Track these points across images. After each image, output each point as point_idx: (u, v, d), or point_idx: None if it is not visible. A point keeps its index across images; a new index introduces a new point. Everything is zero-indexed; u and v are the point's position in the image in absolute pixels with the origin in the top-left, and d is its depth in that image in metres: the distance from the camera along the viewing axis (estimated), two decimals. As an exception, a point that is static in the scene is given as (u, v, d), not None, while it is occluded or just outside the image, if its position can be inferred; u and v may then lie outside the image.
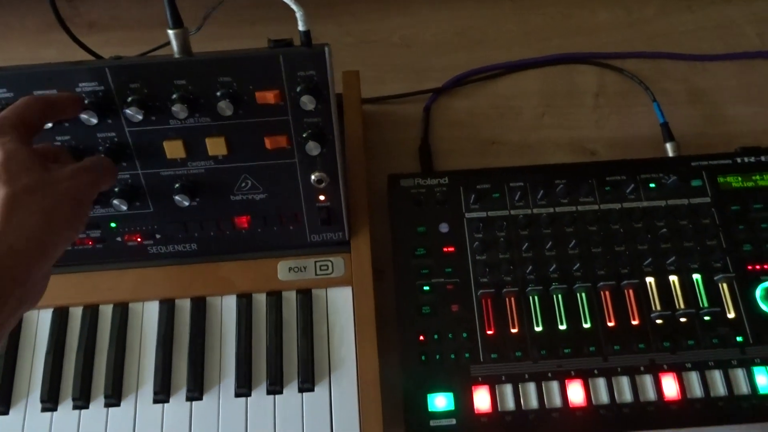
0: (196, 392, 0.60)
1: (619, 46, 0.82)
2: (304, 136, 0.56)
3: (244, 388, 0.60)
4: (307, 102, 0.53)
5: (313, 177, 0.59)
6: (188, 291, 0.64)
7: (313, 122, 0.56)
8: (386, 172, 0.71)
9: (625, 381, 0.62)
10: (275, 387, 0.60)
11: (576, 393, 0.61)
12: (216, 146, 0.56)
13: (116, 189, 0.58)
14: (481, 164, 0.74)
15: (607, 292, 0.65)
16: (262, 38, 0.53)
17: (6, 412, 0.60)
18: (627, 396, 0.61)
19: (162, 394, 0.60)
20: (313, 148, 0.56)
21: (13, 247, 0.39)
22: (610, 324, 0.64)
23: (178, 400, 0.60)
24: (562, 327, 0.64)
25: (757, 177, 0.70)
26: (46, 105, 0.48)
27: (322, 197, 0.61)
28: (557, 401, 0.61)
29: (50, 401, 0.60)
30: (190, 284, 0.64)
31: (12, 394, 0.60)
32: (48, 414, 0.60)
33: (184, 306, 0.64)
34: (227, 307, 0.64)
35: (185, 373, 0.61)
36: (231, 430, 0.59)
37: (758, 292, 0.65)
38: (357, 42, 0.84)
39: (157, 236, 0.62)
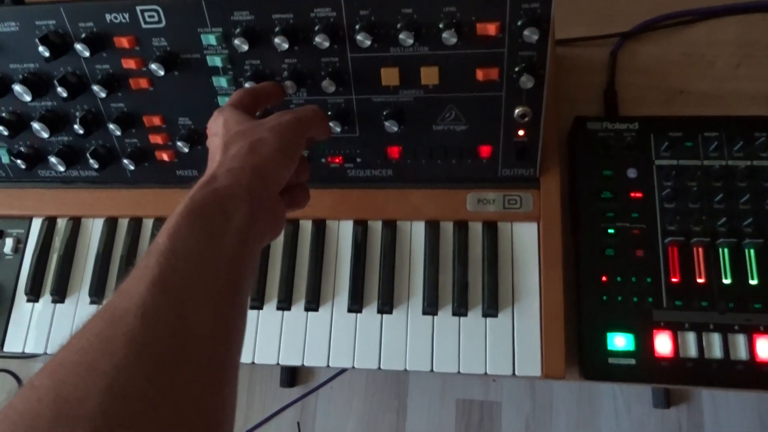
0: (387, 306, 0.65)
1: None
2: (517, 69, 0.57)
3: (432, 307, 0.64)
4: (530, 34, 0.54)
5: (517, 111, 0.60)
6: (381, 214, 0.68)
7: (527, 56, 0.57)
8: (568, 115, 0.71)
9: (820, 342, 0.60)
10: (461, 309, 0.64)
11: (765, 348, 0.61)
12: (429, 76, 0.59)
13: (330, 112, 0.62)
14: (666, 113, 0.73)
15: (805, 251, 0.63)
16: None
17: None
18: (821, 357, 0.60)
19: (356, 305, 0.65)
20: (526, 82, 0.57)
21: (231, 169, 0.45)
22: (807, 284, 0.62)
23: (369, 312, 0.65)
24: (753, 282, 0.63)
25: None
26: (255, 93, 0.55)
27: (521, 132, 0.62)
28: (743, 354, 0.61)
29: (257, 300, 0.67)
30: (383, 208, 0.68)
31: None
32: (254, 312, 0.67)
33: (376, 228, 0.68)
34: (416, 232, 0.68)
35: (376, 288, 0.66)
36: (417, 343, 0.64)
37: None
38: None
39: (358, 160, 0.67)
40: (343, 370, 1.48)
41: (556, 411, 1.41)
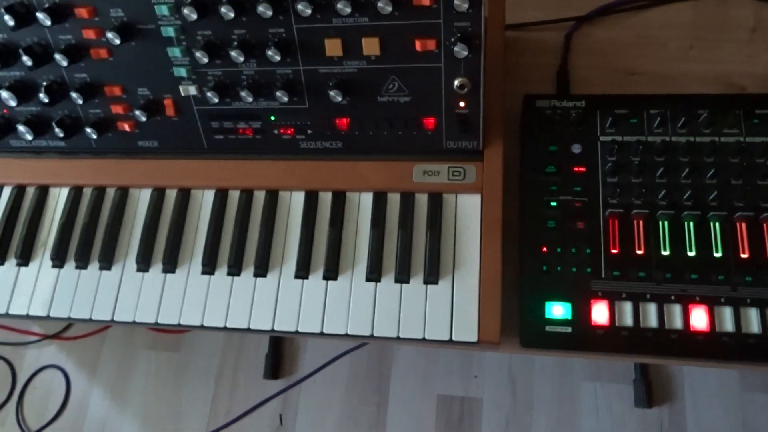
0: (332, 272, 0.67)
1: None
2: (452, 40, 0.59)
3: (375, 274, 0.66)
4: (461, 3, 0.56)
5: (456, 82, 0.62)
6: (331, 184, 0.70)
7: (462, 26, 0.59)
8: (521, 95, 0.72)
9: (753, 313, 0.61)
10: (403, 276, 0.65)
11: (699, 318, 0.61)
12: (370, 46, 0.61)
13: (279, 83, 0.65)
14: (619, 93, 0.74)
15: (743, 224, 0.64)
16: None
17: (173, 271, 0.70)
18: (754, 327, 0.60)
19: (302, 271, 0.67)
20: (460, 51, 0.59)
21: None
22: (744, 256, 0.63)
23: (316, 278, 0.67)
24: (691, 253, 0.64)
25: None
26: None
27: (462, 104, 0.64)
28: (678, 324, 0.61)
29: (209, 266, 0.69)
30: (332, 178, 0.70)
31: (178, 258, 0.70)
32: (206, 276, 0.69)
33: (326, 198, 0.70)
34: (364, 202, 0.69)
35: (323, 255, 0.68)
36: (360, 309, 0.65)
37: None
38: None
39: (308, 132, 0.69)
40: (326, 364, 1.49)
41: (537, 409, 1.40)
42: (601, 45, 0.79)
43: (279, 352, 1.52)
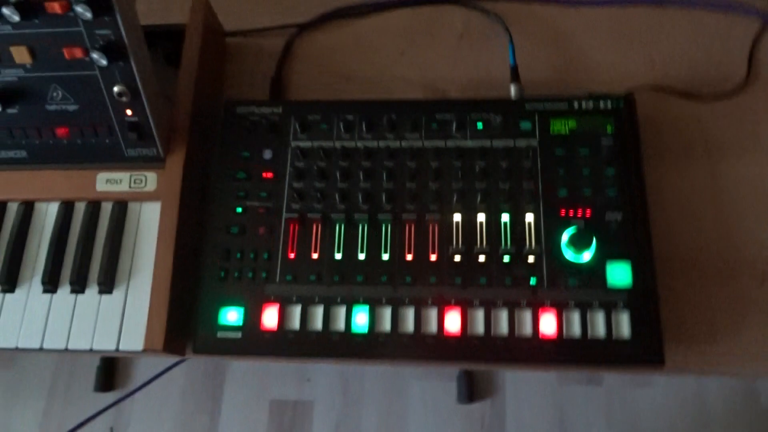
0: (8, 285, 0.65)
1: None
2: (96, 47, 0.59)
3: (49, 285, 0.65)
4: (83, 12, 0.56)
5: (115, 89, 0.62)
6: (18, 195, 0.69)
7: (104, 35, 0.58)
8: (238, 101, 0.73)
9: (410, 312, 0.62)
10: (76, 287, 0.64)
11: (361, 319, 0.63)
12: (20, 54, 0.60)
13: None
14: (332, 98, 0.75)
15: (411, 226, 0.66)
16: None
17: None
18: (409, 327, 0.62)
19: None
20: (98, 59, 0.58)
21: None
22: (409, 257, 0.65)
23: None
24: (362, 256, 0.65)
25: (591, 122, 0.68)
26: None
27: (129, 111, 0.64)
28: (341, 326, 0.63)
29: None
30: (18, 189, 0.68)
31: None
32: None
33: (12, 208, 0.69)
34: (51, 212, 0.68)
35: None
36: (32, 321, 0.64)
37: (564, 238, 0.63)
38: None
39: (-13, 142, 0.67)
40: (160, 374, 1.46)
41: (367, 409, 1.42)
42: (321, 51, 0.80)
43: (111, 365, 1.49)
